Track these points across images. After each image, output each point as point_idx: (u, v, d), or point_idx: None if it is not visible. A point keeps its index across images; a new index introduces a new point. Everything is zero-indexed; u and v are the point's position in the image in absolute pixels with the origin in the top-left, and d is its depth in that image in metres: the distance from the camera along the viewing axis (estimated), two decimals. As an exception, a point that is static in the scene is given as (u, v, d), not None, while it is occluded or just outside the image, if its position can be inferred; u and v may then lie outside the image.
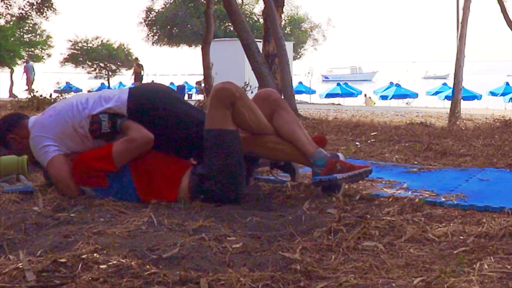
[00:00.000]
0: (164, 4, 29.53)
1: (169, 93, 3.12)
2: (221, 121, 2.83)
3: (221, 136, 2.83)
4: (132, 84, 21.89)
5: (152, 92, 3.07)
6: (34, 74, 24.56)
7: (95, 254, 1.97)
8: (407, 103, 27.58)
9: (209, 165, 2.83)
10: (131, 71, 22.50)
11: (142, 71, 22.88)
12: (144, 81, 23.20)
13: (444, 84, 31.22)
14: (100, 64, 32.94)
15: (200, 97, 19.16)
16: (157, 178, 2.86)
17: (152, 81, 30.59)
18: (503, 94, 26.30)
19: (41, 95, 10.55)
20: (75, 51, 33.02)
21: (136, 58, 24.96)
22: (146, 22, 29.88)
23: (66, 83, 28.28)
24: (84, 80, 40.64)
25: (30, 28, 31.74)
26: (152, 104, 2.96)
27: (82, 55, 32.91)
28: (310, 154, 2.96)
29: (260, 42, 13.06)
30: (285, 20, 31.45)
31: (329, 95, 29.60)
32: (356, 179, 2.96)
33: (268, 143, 3.00)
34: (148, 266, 1.89)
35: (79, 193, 2.90)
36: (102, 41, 33.35)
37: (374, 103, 27.69)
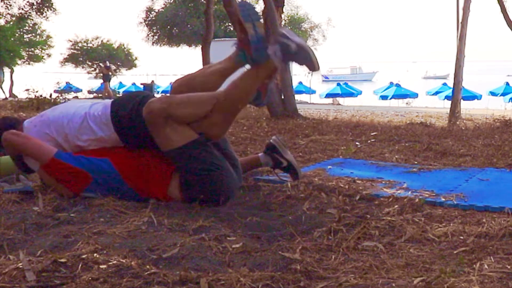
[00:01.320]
0: (164, 4, 29.50)
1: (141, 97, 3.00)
2: (172, 140, 2.74)
3: (180, 153, 2.76)
4: (101, 85, 23.01)
5: (128, 101, 2.99)
6: (3, 75, 25.24)
7: (95, 254, 1.97)
8: (407, 103, 27.57)
9: (188, 179, 2.79)
10: (114, 72, 23.34)
11: (110, 73, 24.38)
12: (112, 82, 24.95)
13: (444, 84, 31.20)
14: (100, 64, 32.91)
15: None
16: (143, 169, 2.87)
17: (152, 82, 30.55)
18: (503, 94, 26.28)
19: (41, 95, 10.56)
20: (75, 51, 33.03)
21: (105, 61, 26.56)
22: (146, 22, 29.86)
23: (66, 83, 28.23)
24: (84, 80, 40.62)
25: (30, 28, 31.74)
26: (130, 114, 2.90)
27: (82, 55, 32.92)
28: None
29: (260, 42, 13.02)
30: (285, 20, 31.44)
31: (329, 95, 29.59)
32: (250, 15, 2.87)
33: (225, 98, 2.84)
34: (148, 266, 1.89)
35: (72, 195, 2.90)
36: (102, 41, 33.37)
37: (339, 104, 27.96)
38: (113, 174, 2.86)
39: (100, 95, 29.14)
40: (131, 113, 2.88)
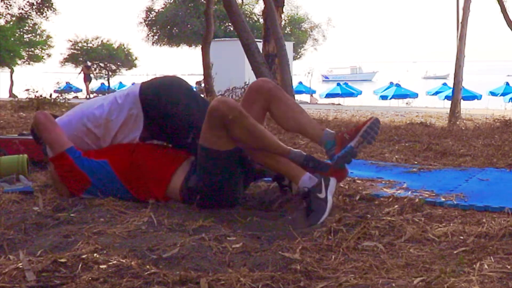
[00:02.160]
0: (164, 4, 29.51)
1: (179, 85, 3.08)
2: (214, 142, 2.70)
3: (213, 156, 2.73)
4: (102, 84, 23.48)
5: (163, 85, 3.07)
6: None
7: (95, 254, 1.97)
8: (407, 103, 27.56)
9: (201, 180, 2.77)
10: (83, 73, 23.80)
11: (90, 73, 25.19)
12: (93, 82, 25.54)
13: (444, 84, 31.20)
14: (100, 64, 32.93)
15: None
16: (143, 169, 2.87)
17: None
18: (503, 94, 26.28)
19: (41, 95, 10.56)
20: (75, 51, 33.00)
21: (85, 61, 27.53)
22: (146, 22, 29.86)
23: (66, 83, 28.25)
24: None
25: (30, 28, 31.72)
26: (162, 98, 2.96)
27: (82, 55, 32.90)
28: (319, 140, 2.84)
29: (260, 42, 13.06)
30: (285, 20, 31.44)
31: (329, 95, 29.59)
32: (370, 136, 2.75)
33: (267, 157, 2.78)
34: (148, 266, 1.89)
35: (69, 194, 2.92)
36: (102, 41, 33.35)
37: (317, 101, 28.13)
38: (110, 177, 2.87)
39: (100, 95, 29.17)
40: (161, 93, 2.97)
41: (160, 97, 2.96)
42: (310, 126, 2.89)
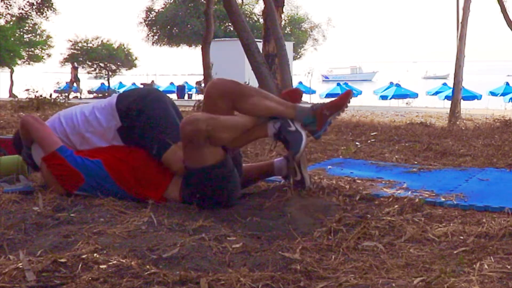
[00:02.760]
0: (164, 4, 29.51)
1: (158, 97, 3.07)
2: (200, 160, 2.71)
3: (204, 174, 2.73)
4: (66, 85, 24.16)
5: (138, 96, 3.06)
6: None
7: (95, 254, 1.97)
8: (407, 103, 27.54)
9: (197, 195, 2.77)
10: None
11: (77, 73, 25.88)
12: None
13: (444, 84, 31.17)
14: (100, 64, 32.90)
15: (200, 97, 19.18)
16: (140, 172, 2.88)
17: (152, 82, 30.60)
18: (503, 94, 26.26)
19: (41, 95, 10.56)
20: (75, 51, 32.98)
21: (73, 62, 28.39)
22: (146, 22, 29.86)
23: (66, 83, 28.23)
24: (84, 80, 40.63)
25: (30, 28, 31.71)
26: (139, 108, 2.97)
27: (82, 55, 32.87)
28: (293, 118, 2.85)
29: (260, 42, 13.04)
30: (285, 20, 31.44)
31: (329, 95, 29.59)
32: (341, 109, 2.87)
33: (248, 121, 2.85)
34: (148, 266, 1.89)
35: (63, 192, 2.94)
36: (102, 41, 33.33)
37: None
38: (103, 176, 2.87)
39: (100, 95, 29.17)
40: (136, 104, 2.97)
41: (133, 107, 2.97)
42: (281, 106, 2.87)
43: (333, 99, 2.93)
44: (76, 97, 25.40)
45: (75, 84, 25.55)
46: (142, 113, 2.95)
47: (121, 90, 32.47)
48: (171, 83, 34.10)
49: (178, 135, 2.79)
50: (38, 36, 32.84)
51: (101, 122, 3.00)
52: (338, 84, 31.02)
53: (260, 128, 2.86)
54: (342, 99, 2.86)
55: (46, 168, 2.97)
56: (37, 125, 3.01)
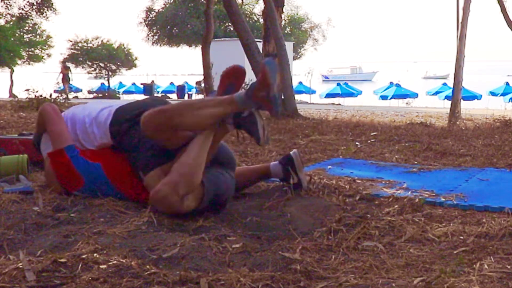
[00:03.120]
0: (164, 4, 29.52)
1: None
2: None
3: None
4: (59, 87, 23.85)
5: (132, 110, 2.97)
6: None
7: (95, 254, 1.97)
8: (407, 103, 27.54)
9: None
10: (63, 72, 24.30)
11: (69, 72, 25.15)
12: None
13: (444, 84, 31.18)
14: (100, 64, 32.91)
15: (200, 97, 19.21)
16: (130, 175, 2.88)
17: (152, 82, 30.59)
18: (503, 94, 26.27)
19: (41, 95, 10.56)
20: (75, 51, 33.00)
21: (63, 61, 28.05)
22: (146, 22, 29.88)
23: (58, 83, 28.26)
24: (84, 80, 40.63)
25: (30, 28, 31.71)
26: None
27: (82, 55, 32.89)
28: (238, 111, 2.72)
29: (260, 42, 13.05)
30: (285, 20, 31.44)
31: (329, 95, 29.58)
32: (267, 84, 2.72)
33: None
34: (148, 266, 1.89)
35: (61, 190, 2.94)
36: (102, 41, 33.35)
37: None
38: (103, 180, 2.87)
39: (100, 95, 29.17)
40: (128, 122, 2.88)
41: (124, 126, 2.88)
42: (220, 107, 2.72)
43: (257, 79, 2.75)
44: (76, 97, 25.40)
45: (65, 84, 25.55)
46: (129, 131, 2.85)
47: (121, 90, 32.57)
48: (171, 83, 34.11)
49: (164, 158, 2.73)
50: (38, 36, 32.83)
51: (96, 137, 2.97)
52: (338, 84, 31.00)
53: (220, 129, 2.75)
54: (262, 74, 2.70)
55: (49, 164, 2.97)
56: (54, 118, 3.02)
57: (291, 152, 3.12)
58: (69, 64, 32.91)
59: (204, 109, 2.70)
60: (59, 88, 23.14)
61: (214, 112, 2.69)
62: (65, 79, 24.53)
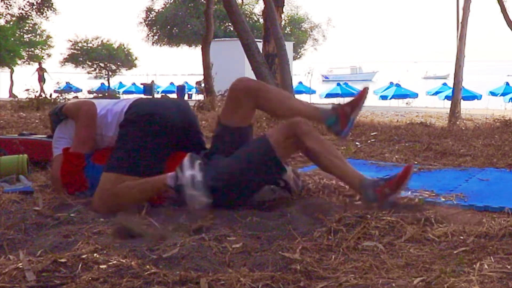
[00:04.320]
0: (164, 4, 29.50)
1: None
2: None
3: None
4: (66, 85, 24.98)
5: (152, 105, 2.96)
6: None
7: (95, 254, 1.97)
8: (407, 103, 27.55)
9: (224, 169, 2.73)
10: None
11: (44, 73, 26.11)
12: (47, 82, 26.16)
13: (444, 84, 31.18)
14: (100, 64, 32.90)
15: (200, 97, 19.21)
16: None
17: (152, 82, 30.56)
18: (503, 94, 26.27)
19: (40, 95, 10.56)
20: (75, 51, 32.98)
21: (40, 62, 28.93)
22: (146, 22, 29.85)
23: (66, 83, 28.26)
24: (84, 80, 40.64)
25: (30, 28, 31.70)
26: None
27: (82, 55, 32.88)
28: (317, 117, 2.88)
29: (260, 42, 13.05)
30: (285, 20, 31.42)
31: (329, 95, 29.59)
32: (359, 105, 2.89)
33: None
34: (148, 266, 1.89)
35: (64, 192, 2.92)
36: (102, 41, 33.34)
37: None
38: None
39: (100, 95, 29.16)
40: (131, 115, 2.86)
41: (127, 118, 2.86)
42: (304, 107, 2.92)
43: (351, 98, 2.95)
44: (76, 97, 25.40)
45: (40, 83, 25.83)
46: (131, 124, 2.83)
47: (121, 90, 32.55)
48: (171, 83, 34.10)
49: (133, 168, 2.74)
50: (38, 36, 32.83)
51: (108, 127, 2.94)
52: (338, 84, 31.00)
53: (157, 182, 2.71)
54: (360, 95, 2.88)
55: (58, 163, 2.95)
56: (89, 122, 2.92)
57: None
58: (69, 64, 32.99)
59: (291, 99, 2.98)
60: (59, 88, 23.14)
61: (296, 106, 2.91)
62: (41, 79, 24.90)
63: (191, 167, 2.58)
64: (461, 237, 2.26)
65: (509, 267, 1.91)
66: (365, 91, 2.91)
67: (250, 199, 2.81)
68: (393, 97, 28.78)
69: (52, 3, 19.83)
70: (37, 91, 10.71)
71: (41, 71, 25.57)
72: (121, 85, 35.65)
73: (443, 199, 2.87)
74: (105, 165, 2.78)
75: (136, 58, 34.14)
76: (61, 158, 2.96)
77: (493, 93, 27.50)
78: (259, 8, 30.35)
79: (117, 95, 30.84)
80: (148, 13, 29.82)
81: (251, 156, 2.75)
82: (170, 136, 2.82)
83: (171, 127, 2.82)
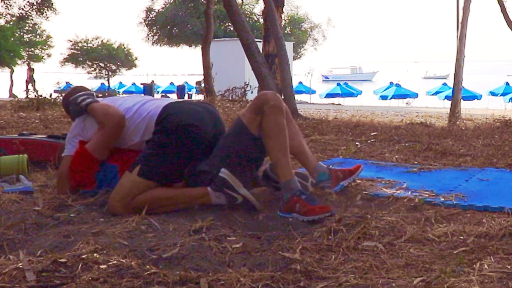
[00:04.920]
0: (164, 4, 29.49)
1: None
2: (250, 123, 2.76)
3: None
4: (66, 85, 24.92)
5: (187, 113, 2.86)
6: None
7: (95, 254, 1.97)
8: (407, 103, 27.56)
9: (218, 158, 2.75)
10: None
11: (33, 74, 26.88)
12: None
13: (444, 84, 31.19)
14: (100, 64, 32.91)
15: (200, 97, 19.21)
16: None
17: (152, 82, 30.55)
18: (503, 94, 26.28)
19: (41, 95, 10.56)
20: (75, 51, 32.99)
21: (29, 63, 29.83)
22: (146, 22, 29.85)
23: (66, 83, 28.22)
24: (84, 80, 40.66)
25: (30, 28, 31.71)
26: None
27: (82, 55, 32.88)
28: (313, 169, 3.01)
29: (260, 42, 13.06)
30: (285, 20, 31.42)
31: (329, 95, 29.59)
32: (352, 177, 3.08)
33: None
34: (148, 266, 1.90)
35: (68, 193, 2.89)
36: (102, 41, 33.34)
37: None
38: (115, 181, 2.83)
39: (100, 95, 29.17)
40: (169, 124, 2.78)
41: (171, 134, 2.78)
42: (310, 153, 3.08)
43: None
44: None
45: (31, 84, 26.09)
46: (167, 133, 2.76)
47: (121, 90, 32.57)
48: (171, 83, 34.11)
49: (165, 177, 2.76)
50: (38, 36, 32.84)
51: (138, 135, 2.88)
52: (338, 84, 31.01)
53: (201, 196, 2.73)
54: (355, 168, 3.08)
55: (67, 161, 2.91)
56: (116, 130, 2.86)
57: (220, 173, 2.72)
58: (69, 64, 33.02)
59: (303, 139, 3.12)
60: (59, 88, 23.15)
61: (306, 149, 3.09)
62: (31, 80, 25.21)
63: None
64: (461, 237, 2.26)
65: (509, 267, 1.91)
66: (359, 167, 3.10)
67: (247, 178, 2.80)
68: (393, 97, 28.79)
69: (52, 3, 19.84)
70: (37, 91, 10.71)
71: (30, 71, 25.98)
72: (121, 85, 35.66)
73: (443, 199, 2.87)
74: (132, 169, 2.74)
75: (136, 58, 34.15)
76: (68, 157, 2.94)
77: (493, 93, 27.51)
78: (259, 8, 30.35)
79: (117, 95, 30.87)
80: (148, 13, 29.82)
81: (230, 140, 2.78)
82: (204, 146, 2.81)
83: (207, 139, 2.82)
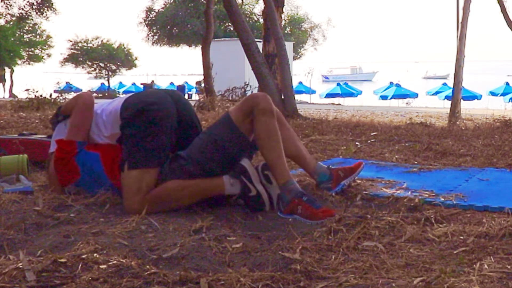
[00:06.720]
0: (164, 4, 29.53)
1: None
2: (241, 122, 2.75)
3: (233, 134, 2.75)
4: (66, 85, 25.53)
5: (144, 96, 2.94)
6: None
7: (95, 254, 1.97)
8: (407, 103, 27.58)
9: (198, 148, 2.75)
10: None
11: (4, 73, 27.85)
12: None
13: (444, 84, 31.22)
14: (100, 64, 32.94)
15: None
16: None
17: (152, 82, 30.63)
18: (503, 94, 26.31)
19: (41, 95, 10.57)
20: (75, 51, 33.03)
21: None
22: (146, 22, 29.88)
23: (66, 83, 28.27)
24: (84, 80, 40.69)
25: (30, 28, 31.76)
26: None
27: (82, 55, 32.92)
28: (313, 170, 3.00)
29: (260, 42, 13.06)
30: (285, 20, 31.44)
31: (329, 95, 29.61)
32: (355, 177, 3.08)
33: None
34: (148, 266, 1.89)
35: (58, 191, 2.93)
36: (102, 41, 33.37)
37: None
38: (99, 169, 2.86)
39: (100, 95, 29.18)
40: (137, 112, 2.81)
41: (132, 115, 2.81)
42: (307, 155, 3.05)
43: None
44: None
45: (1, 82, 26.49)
46: (133, 122, 2.80)
47: (121, 90, 32.61)
48: (171, 83, 34.14)
49: (152, 159, 2.73)
50: (38, 36, 32.88)
51: (105, 125, 2.93)
52: (338, 84, 31.04)
53: (215, 186, 2.73)
54: (356, 166, 3.05)
55: (53, 157, 2.96)
56: (84, 109, 2.95)
57: (241, 161, 2.73)
58: (69, 64, 33.06)
59: (299, 142, 3.07)
60: (59, 88, 23.15)
61: (302, 149, 3.05)
62: (1, 79, 25.60)
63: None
64: (461, 237, 2.26)
65: (509, 267, 1.91)
66: (360, 164, 3.06)
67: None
68: (393, 97, 28.82)
69: (52, 3, 19.85)
70: (37, 91, 10.71)
71: (0, 71, 26.55)
72: (121, 85, 35.70)
73: (443, 199, 2.87)
74: (123, 168, 2.75)
75: (136, 58, 34.21)
76: (52, 155, 2.98)
77: (493, 93, 27.54)
78: (259, 8, 30.38)
79: (117, 95, 30.89)
80: (148, 13, 29.85)
81: (213, 130, 2.78)
82: (170, 120, 2.81)
83: (171, 113, 2.83)
